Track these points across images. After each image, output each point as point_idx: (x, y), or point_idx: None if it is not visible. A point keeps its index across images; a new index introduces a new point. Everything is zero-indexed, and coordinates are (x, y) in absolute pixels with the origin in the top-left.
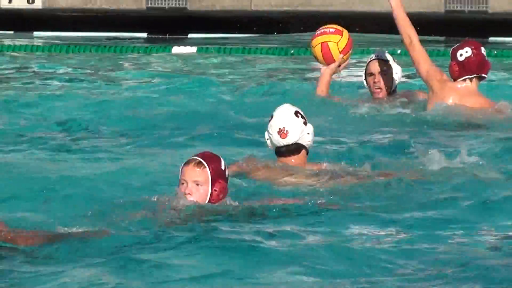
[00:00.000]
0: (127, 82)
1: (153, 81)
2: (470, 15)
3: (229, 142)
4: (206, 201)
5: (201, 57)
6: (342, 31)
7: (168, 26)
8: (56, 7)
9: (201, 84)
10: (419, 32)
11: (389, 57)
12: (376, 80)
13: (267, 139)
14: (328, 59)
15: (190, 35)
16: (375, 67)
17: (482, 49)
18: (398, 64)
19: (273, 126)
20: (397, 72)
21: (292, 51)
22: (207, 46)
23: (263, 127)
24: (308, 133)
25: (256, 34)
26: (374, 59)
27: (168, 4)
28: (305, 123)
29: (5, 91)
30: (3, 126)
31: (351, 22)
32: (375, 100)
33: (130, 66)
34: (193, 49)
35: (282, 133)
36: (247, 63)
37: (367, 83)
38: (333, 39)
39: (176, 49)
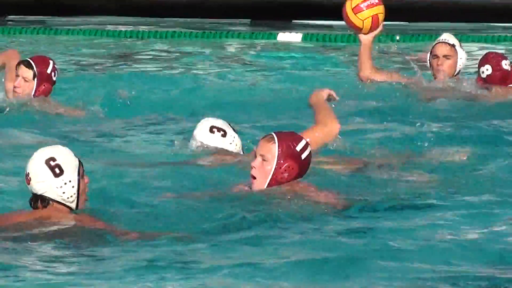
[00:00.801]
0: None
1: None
2: None
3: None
4: (267, 180)
5: (306, 44)
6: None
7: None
8: None
9: (304, 71)
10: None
11: (455, 41)
12: (439, 63)
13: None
14: (372, 29)
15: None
16: (440, 50)
17: (504, 62)
18: (464, 50)
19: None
20: (462, 58)
21: (397, 38)
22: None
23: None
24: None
25: None
26: (441, 42)
27: None
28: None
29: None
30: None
31: None
32: (436, 81)
33: (234, 52)
34: (298, 36)
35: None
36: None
37: (430, 65)
38: (381, 10)
39: (281, 36)
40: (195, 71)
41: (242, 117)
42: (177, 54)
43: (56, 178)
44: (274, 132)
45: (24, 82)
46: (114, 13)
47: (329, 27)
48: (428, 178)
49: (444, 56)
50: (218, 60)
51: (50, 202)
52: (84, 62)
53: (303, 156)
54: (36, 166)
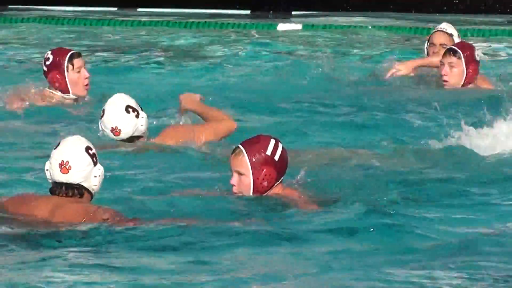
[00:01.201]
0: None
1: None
2: None
3: (343, 125)
4: (250, 192)
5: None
6: None
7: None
8: None
9: (305, 61)
10: None
11: (453, 31)
12: (435, 50)
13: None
14: None
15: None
16: (437, 39)
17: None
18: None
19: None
20: None
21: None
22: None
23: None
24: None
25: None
26: (439, 30)
27: None
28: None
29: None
30: None
31: None
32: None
33: (235, 43)
34: (298, 26)
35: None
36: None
37: (427, 53)
38: None
39: (281, 26)
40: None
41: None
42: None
43: (95, 167)
44: (241, 144)
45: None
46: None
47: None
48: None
49: (441, 44)
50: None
51: (83, 191)
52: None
53: (276, 157)
54: (77, 155)
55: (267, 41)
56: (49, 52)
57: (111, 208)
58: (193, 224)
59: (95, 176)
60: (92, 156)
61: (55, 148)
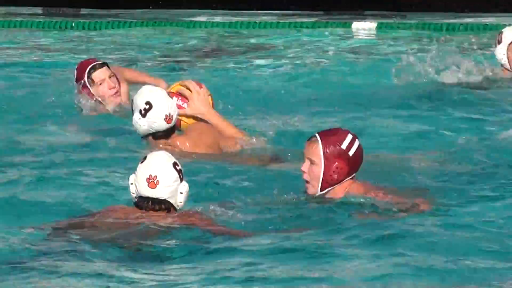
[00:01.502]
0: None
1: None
2: None
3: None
4: (319, 183)
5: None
6: None
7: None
8: None
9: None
10: None
11: None
12: None
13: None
14: None
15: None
16: None
17: None
18: None
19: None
20: None
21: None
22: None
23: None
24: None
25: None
26: None
27: None
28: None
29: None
30: None
31: None
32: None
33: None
34: (372, 25)
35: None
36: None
37: (507, 56)
38: None
39: (356, 25)
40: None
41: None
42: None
43: (181, 183)
44: (318, 133)
45: (116, 82)
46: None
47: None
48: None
49: None
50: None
51: (170, 207)
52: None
53: (351, 152)
54: (165, 170)
55: (342, 39)
56: (75, 67)
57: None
58: (293, 232)
59: (181, 193)
60: (179, 172)
61: (141, 162)
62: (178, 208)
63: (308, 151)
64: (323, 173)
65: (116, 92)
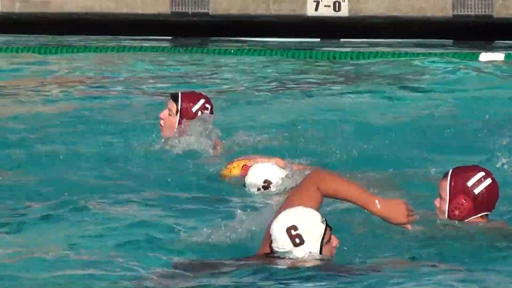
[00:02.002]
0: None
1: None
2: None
3: None
4: (445, 216)
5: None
6: None
7: (474, 33)
8: (362, 15)
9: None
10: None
11: None
12: None
13: None
14: None
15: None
16: None
17: None
18: None
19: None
20: None
21: None
22: None
23: None
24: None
25: None
26: None
27: (475, 11)
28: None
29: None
30: None
31: None
32: None
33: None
34: (500, 57)
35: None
36: None
37: None
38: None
39: (484, 56)
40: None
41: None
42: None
43: (296, 248)
44: (452, 168)
45: (168, 116)
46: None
47: None
48: None
49: None
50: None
51: None
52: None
53: (477, 190)
54: (277, 232)
55: (469, 70)
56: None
57: None
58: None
59: (298, 256)
60: (294, 237)
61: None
62: None
63: (440, 185)
64: (448, 208)
65: (162, 125)
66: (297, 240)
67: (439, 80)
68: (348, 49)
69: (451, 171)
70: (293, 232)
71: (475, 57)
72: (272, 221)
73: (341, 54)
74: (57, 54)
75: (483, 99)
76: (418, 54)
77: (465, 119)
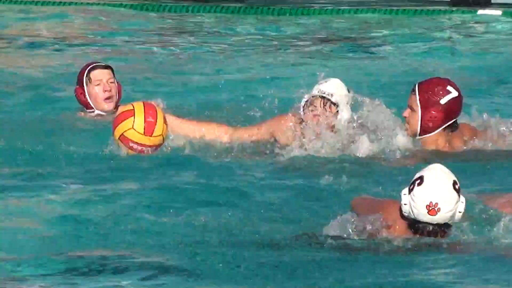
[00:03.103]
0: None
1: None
2: None
3: None
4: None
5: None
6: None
7: None
8: None
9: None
10: None
11: None
12: None
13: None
14: None
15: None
16: None
17: None
18: None
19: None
20: None
21: None
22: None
23: None
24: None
25: None
26: None
27: None
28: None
29: None
30: None
31: None
32: None
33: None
34: (498, 12)
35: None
36: None
37: None
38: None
39: (481, 12)
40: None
41: None
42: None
43: (459, 203)
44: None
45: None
46: None
47: None
48: None
49: None
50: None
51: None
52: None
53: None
54: (447, 196)
55: (467, 26)
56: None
57: None
58: None
59: (460, 212)
60: (458, 191)
61: (418, 185)
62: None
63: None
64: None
65: (109, 98)
66: (460, 194)
67: (438, 38)
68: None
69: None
70: (456, 187)
71: (473, 13)
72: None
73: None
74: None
75: (481, 55)
76: (415, 12)
77: (465, 76)
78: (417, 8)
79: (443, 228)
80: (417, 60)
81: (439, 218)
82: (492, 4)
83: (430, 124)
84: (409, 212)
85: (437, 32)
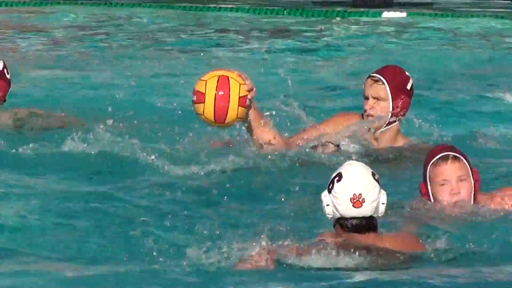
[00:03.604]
0: None
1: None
2: None
3: None
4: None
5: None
6: None
7: None
8: None
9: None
10: None
11: None
12: None
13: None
14: None
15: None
16: None
17: None
18: None
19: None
20: None
21: None
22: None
23: None
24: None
25: None
26: None
27: None
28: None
29: None
30: None
31: None
32: None
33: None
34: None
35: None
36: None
37: None
38: None
39: (386, 14)
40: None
41: None
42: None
43: (381, 194)
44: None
45: None
46: None
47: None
48: None
49: None
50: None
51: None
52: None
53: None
54: (369, 185)
55: (371, 28)
56: None
57: None
58: None
59: (383, 203)
60: (378, 181)
61: (338, 181)
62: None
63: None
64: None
65: None
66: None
67: (341, 38)
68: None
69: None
70: (376, 177)
71: (378, 15)
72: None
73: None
74: None
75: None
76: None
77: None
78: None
79: (370, 221)
80: (318, 61)
81: (365, 209)
82: (395, 5)
83: (400, 110)
84: (333, 212)
85: (337, 33)
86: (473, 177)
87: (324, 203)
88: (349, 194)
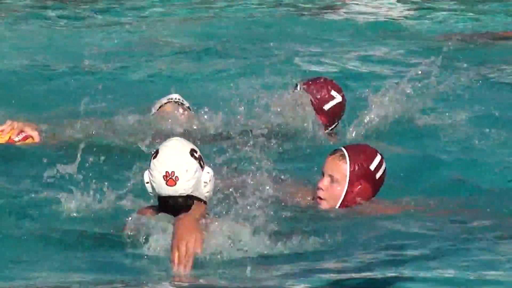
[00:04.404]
0: None
1: None
2: None
3: None
4: (338, 203)
5: None
6: None
7: None
8: None
9: None
10: None
11: None
12: None
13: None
14: None
15: None
16: None
17: None
18: None
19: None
20: None
21: None
22: None
23: None
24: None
25: None
26: None
27: None
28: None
29: None
30: None
31: None
32: None
33: None
34: None
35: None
36: None
37: None
38: None
39: None
40: None
41: None
42: None
43: (203, 172)
44: (345, 148)
45: None
46: None
47: None
48: None
49: None
50: None
51: (195, 202)
52: None
53: (378, 175)
54: (183, 161)
55: None
56: None
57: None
58: None
59: (205, 182)
60: (199, 159)
61: (153, 157)
62: (207, 200)
63: (331, 167)
64: (345, 194)
65: None
66: (201, 162)
67: None
68: None
69: (345, 151)
70: (196, 155)
71: None
72: None
73: None
74: None
75: None
76: None
77: None
78: None
79: (191, 200)
80: None
81: (180, 188)
82: None
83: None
84: (153, 189)
85: None
86: (349, 187)
87: (145, 180)
88: (162, 172)
